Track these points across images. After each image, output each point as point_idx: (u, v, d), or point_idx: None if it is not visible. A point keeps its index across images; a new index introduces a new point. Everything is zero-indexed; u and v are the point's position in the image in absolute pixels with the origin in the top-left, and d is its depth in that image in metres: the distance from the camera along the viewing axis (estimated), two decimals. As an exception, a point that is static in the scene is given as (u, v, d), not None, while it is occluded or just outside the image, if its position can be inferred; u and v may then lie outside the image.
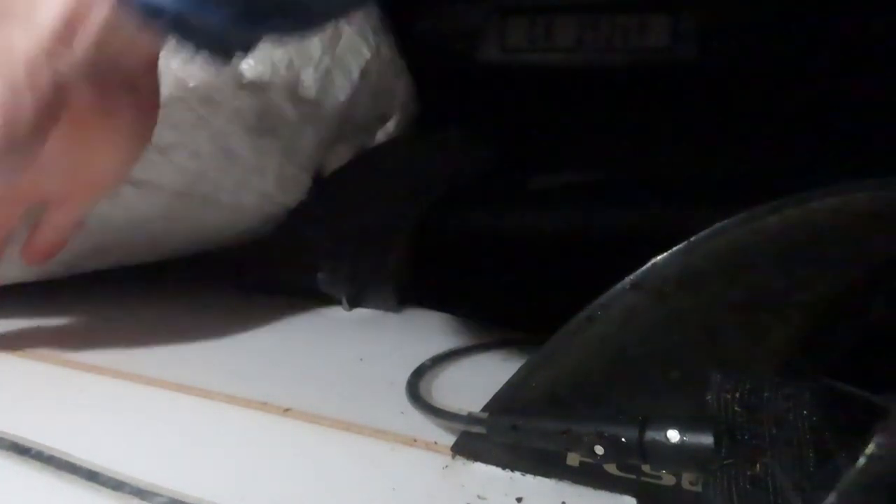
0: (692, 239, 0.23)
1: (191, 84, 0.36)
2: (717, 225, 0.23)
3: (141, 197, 0.38)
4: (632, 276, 0.24)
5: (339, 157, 0.47)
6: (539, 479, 0.26)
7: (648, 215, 0.45)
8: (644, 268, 0.24)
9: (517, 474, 0.26)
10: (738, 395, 0.21)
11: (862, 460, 0.16)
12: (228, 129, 0.38)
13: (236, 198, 0.41)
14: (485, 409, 0.27)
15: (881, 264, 0.22)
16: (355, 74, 0.46)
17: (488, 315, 0.40)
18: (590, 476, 0.25)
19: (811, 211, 0.22)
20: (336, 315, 0.42)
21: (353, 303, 0.42)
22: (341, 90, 0.45)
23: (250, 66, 0.38)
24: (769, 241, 0.23)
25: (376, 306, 0.42)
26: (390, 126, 0.52)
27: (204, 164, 0.38)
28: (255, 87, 0.38)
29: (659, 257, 0.24)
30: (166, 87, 0.34)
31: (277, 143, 0.40)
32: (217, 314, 0.43)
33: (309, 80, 0.41)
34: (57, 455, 0.25)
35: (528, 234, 0.41)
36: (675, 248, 0.23)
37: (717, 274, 0.23)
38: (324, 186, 0.45)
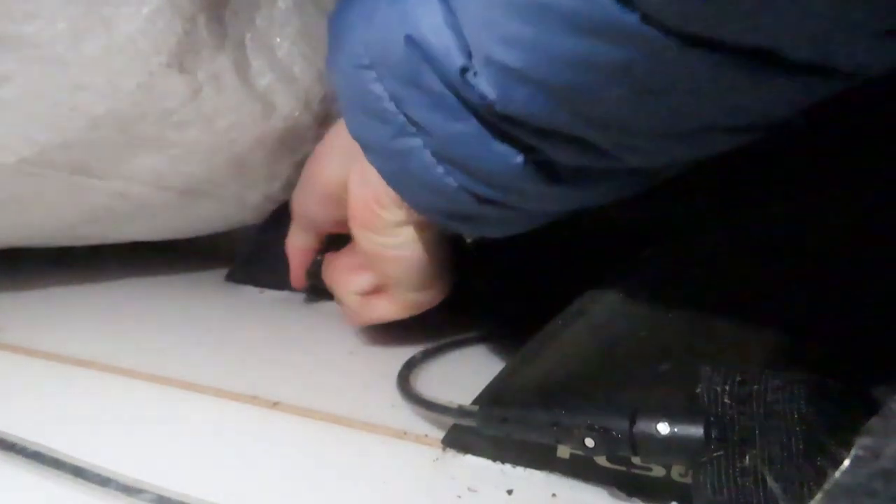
0: (682, 232, 0.23)
1: (220, 124, 0.37)
2: (707, 219, 0.23)
3: (150, 195, 0.39)
4: (621, 269, 0.24)
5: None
6: (529, 471, 0.26)
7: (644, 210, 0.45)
8: (634, 261, 0.24)
9: (507, 467, 0.26)
10: (727, 387, 0.21)
11: (846, 463, 0.16)
12: (248, 151, 0.39)
13: (240, 195, 0.42)
14: (475, 401, 0.26)
15: (870, 258, 0.22)
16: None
17: (478, 308, 0.40)
18: (580, 468, 0.25)
19: (798, 207, 0.22)
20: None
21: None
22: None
23: (284, 102, 0.38)
24: (757, 235, 0.23)
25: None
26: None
27: (214, 174, 0.39)
28: (284, 119, 0.39)
29: (649, 250, 0.23)
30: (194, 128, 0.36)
31: (292, 157, 0.41)
32: (206, 308, 0.42)
33: (337, 113, 0.41)
34: (42, 451, 0.25)
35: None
36: (665, 242, 0.23)
37: (706, 267, 0.23)
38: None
